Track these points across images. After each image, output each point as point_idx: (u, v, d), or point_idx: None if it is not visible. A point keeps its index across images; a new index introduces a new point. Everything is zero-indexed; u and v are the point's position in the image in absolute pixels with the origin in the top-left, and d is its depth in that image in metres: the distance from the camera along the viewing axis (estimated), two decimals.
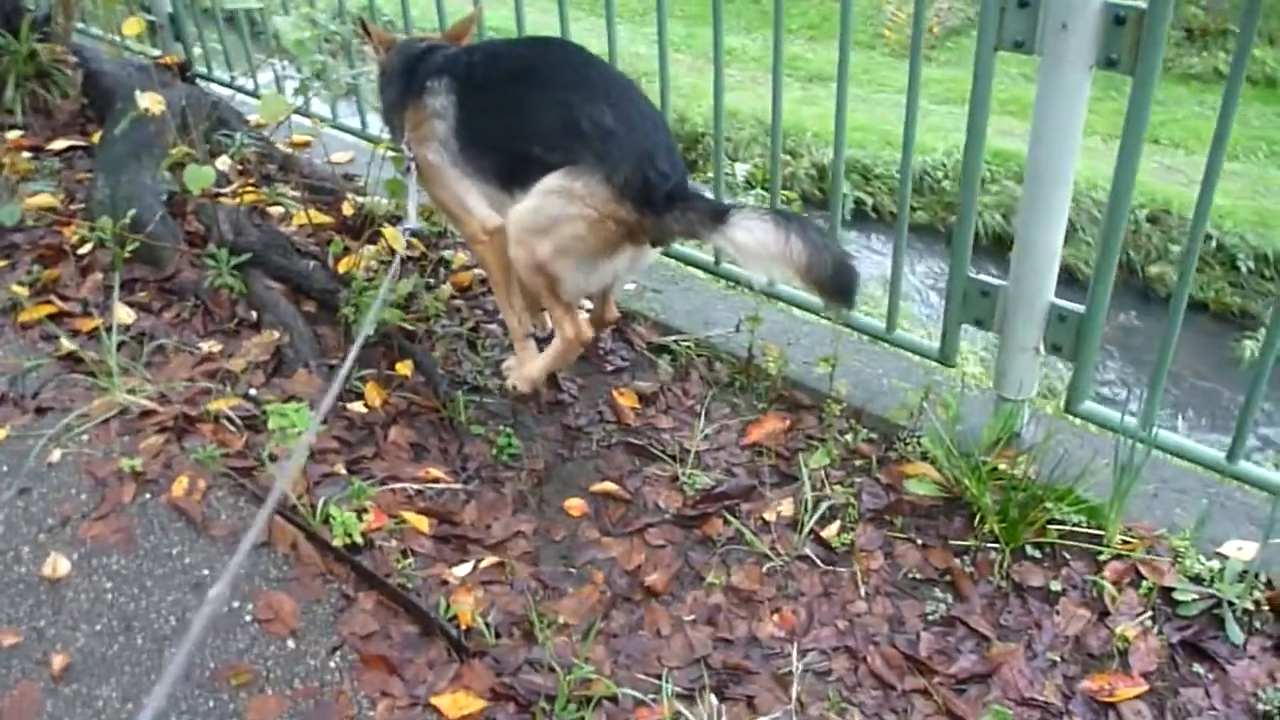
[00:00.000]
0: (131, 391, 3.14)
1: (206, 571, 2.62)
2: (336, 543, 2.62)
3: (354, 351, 2.38)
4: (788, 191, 3.66)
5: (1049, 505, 2.65)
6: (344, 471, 2.91)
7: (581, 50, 2.90)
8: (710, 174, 3.62)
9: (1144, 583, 2.55)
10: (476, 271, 3.73)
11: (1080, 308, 2.70)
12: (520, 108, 2.83)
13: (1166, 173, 10.54)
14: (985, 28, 2.53)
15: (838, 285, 2.57)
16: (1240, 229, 9.63)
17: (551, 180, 2.72)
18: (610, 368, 3.39)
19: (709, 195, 3.17)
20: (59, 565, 2.64)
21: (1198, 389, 8.71)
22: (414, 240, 3.65)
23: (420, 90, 2.96)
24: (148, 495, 2.83)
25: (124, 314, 3.53)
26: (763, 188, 7.09)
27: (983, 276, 2.85)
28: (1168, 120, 11.63)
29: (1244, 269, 9.55)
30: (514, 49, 3.09)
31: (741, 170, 7.04)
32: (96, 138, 4.65)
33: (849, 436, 3.02)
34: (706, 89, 12.22)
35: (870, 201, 11.14)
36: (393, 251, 3.31)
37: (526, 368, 3.15)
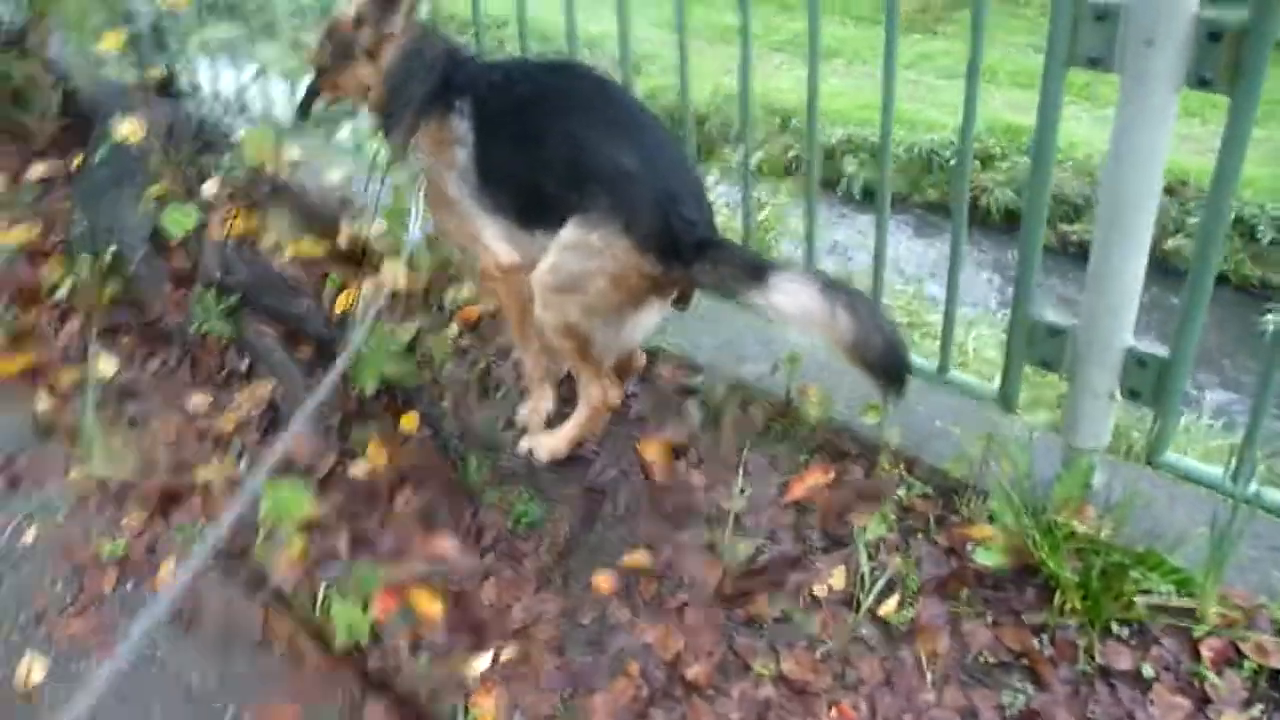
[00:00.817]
0: (112, 460, 2.87)
1: (196, 676, 2.36)
2: (340, 643, 2.35)
3: (311, 403, 2.15)
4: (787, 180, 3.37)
5: (1134, 574, 2.36)
6: (346, 551, 2.65)
7: (602, 79, 2.62)
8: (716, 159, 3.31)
9: (1246, 663, 2.27)
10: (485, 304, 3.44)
11: (1163, 351, 2.40)
12: (537, 139, 2.55)
13: (1180, 141, 10.18)
14: (1055, 42, 2.23)
15: (888, 368, 2.35)
16: (1260, 198, 9.28)
17: (568, 234, 2.46)
18: (634, 415, 3.11)
19: (741, 247, 2.86)
20: (34, 669, 2.38)
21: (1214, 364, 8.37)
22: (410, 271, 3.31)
23: (446, 108, 2.65)
24: (130, 585, 2.57)
25: (105, 365, 3.27)
26: (775, 175, 6.81)
27: (1050, 315, 2.56)
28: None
29: (1265, 240, 9.22)
30: (531, 71, 2.76)
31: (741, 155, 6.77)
32: (79, 161, 4.37)
33: (901, 491, 2.73)
34: (707, 70, 12.18)
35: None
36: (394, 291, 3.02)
37: (553, 439, 2.89)
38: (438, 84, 2.67)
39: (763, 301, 2.36)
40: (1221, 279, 9.02)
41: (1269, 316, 8.22)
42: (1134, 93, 2.15)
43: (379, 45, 2.71)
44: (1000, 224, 10.26)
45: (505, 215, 2.68)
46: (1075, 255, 9.54)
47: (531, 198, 2.59)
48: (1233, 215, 9.02)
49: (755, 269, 2.38)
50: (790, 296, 2.32)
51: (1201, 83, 2.08)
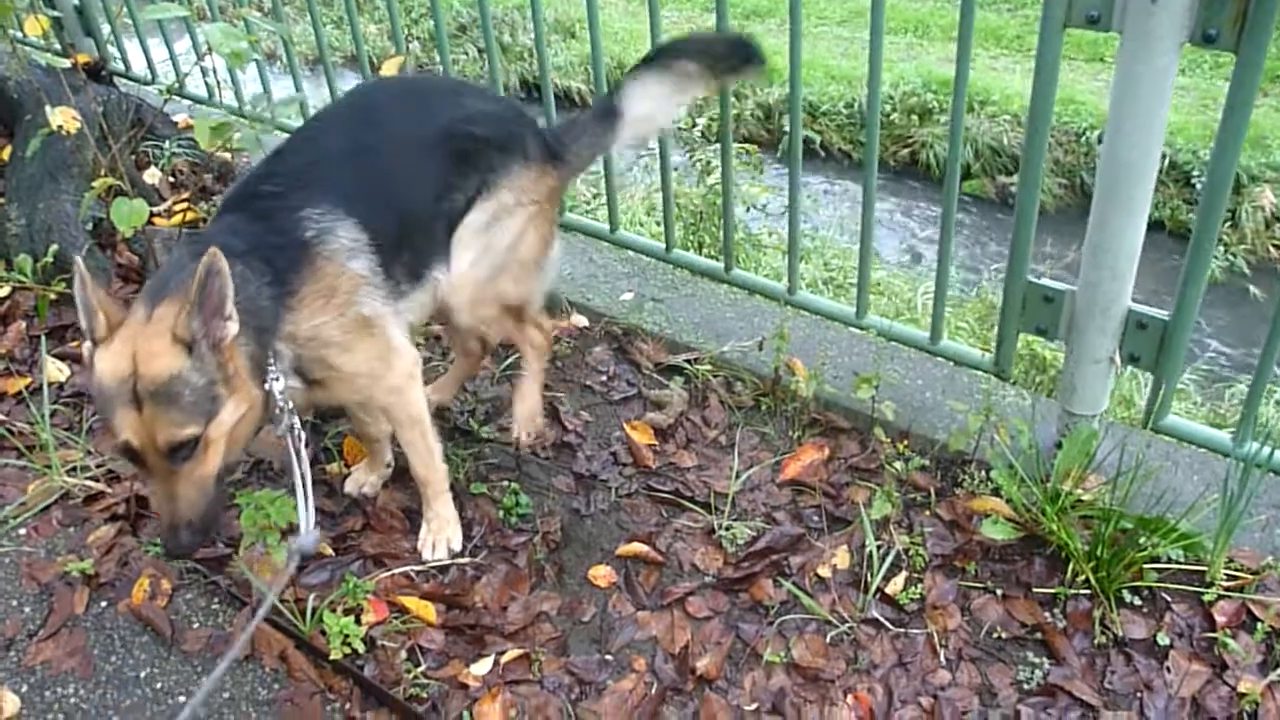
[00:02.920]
0: (72, 471, 2.72)
1: (183, 698, 2.23)
2: (334, 654, 2.23)
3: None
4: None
5: (1143, 541, 2.33)
6: (331, 552, 2.53)
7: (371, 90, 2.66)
8: None
9: (1259, 625, 2.25)
10: None
11: (1164, 314, 2.36)
12: (399, 169, 2.37)
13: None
14: (1052, 1, 2.16)
15: (745, 57, 2.64)
16: (1192, 144, 9.38)
17: (477, 217, 2.46)
18: (617, 396, 3.02)
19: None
20: (6, 702, 2.24)
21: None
22: None
23: (307, 250, 2.16)
24: (104, 603, 2.43)
25: (55, 371, 3.10)
26: (719, 140, 6.72)
27: (1046, 280, 2.51)
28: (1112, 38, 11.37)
29: (1198, 185, 9.33)
30: (327, 127, 2.46)
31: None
32: (6, 154, 4.14)
33: (899, 465, 2.68)
34: (642, 33, 12.00)
35: (819, 139, 10.78)
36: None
37: (525, 409, 2.82)
38: (268, 253, 2.13)
39: (632, 129, 2.66)
40: (1157, 224, 9.15)
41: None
42: (1136, 52, 2.09)
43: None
44: (940, 179, 10.28)
45: (405, 286, 2.36)
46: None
47: (426, 233, 2.41)
48: (1166, 162, 9.20)
49: (606, 112, 2.64)
50: (641, 97, 2.63)
51: (1206, 39, 2.02)
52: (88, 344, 1.95)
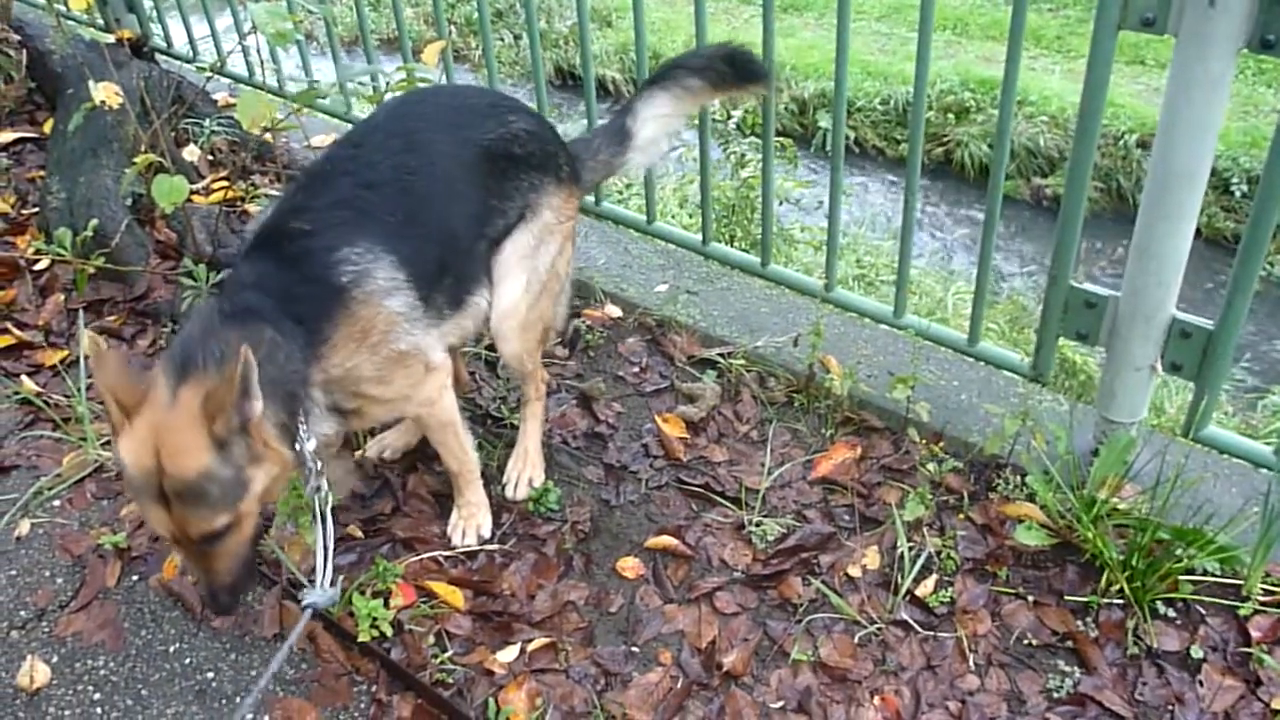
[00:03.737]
0: (107, 444, 2.73)
1: (211, 674, 2.25)
2: (362, 637, 2.24)
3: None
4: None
5: (1179, 552, 2.30)
6: (361, 535, 2.54)
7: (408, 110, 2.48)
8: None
9: None
10: None
11: (1209, 323, 2.33)
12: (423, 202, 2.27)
13: (1153, 94, 10.17)
14: (1107, 3, 2.13)
15: (745, 72, 2.66)
16: (1232, 150, 9.26)
17: (522, 239, 2.44)
18: (650, 388, 3.01)
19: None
20: (37, 672, 2.26)
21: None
22: None
23: (341, 295, 2.09)
24: (135, 577, 2.45)
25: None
26: (754, 134, 6.68)
27: (1089, 286, 2.48)
28: (1154, 40, 11.23)
29: (1237, 193, 9.23)
30: (365, 152, 2.29)
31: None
32: (48, 127, 4.17)
33: (932, 467, 2.66)
34: (680, 23, 12.01)
35: (853, 135, 10.71)
36: None
37: (527, 464, 2.69)
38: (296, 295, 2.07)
39: (638, 156, 2.71)
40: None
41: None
42: (1190, 57, 2.06)
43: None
44: (975, 178, 10.22)
45: (444, 313, 2.32)
46: (1049, 210, 9.51)
47: (464, 260, 2.35)
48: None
49: (619, 133, 2.67)
50: (652, 120, 2.67)
51: (1265, 45, 1.98)
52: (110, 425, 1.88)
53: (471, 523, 2.55)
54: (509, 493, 2.66)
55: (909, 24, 12.47)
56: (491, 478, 2.67)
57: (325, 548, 2.08)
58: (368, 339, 2.12)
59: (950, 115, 10.54)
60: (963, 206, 10.16)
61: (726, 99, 2.77)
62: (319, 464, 2.05)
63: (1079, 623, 2.30)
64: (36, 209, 3.72)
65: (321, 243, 2.09)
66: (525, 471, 2.66)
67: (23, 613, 2.37)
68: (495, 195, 2.36)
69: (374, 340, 2.12)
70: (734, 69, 2.65)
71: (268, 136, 4.08)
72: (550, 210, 2.46)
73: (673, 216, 6.17)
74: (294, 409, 2.01)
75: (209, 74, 3.96)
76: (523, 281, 2.44)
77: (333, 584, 2.10)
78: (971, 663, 2.26)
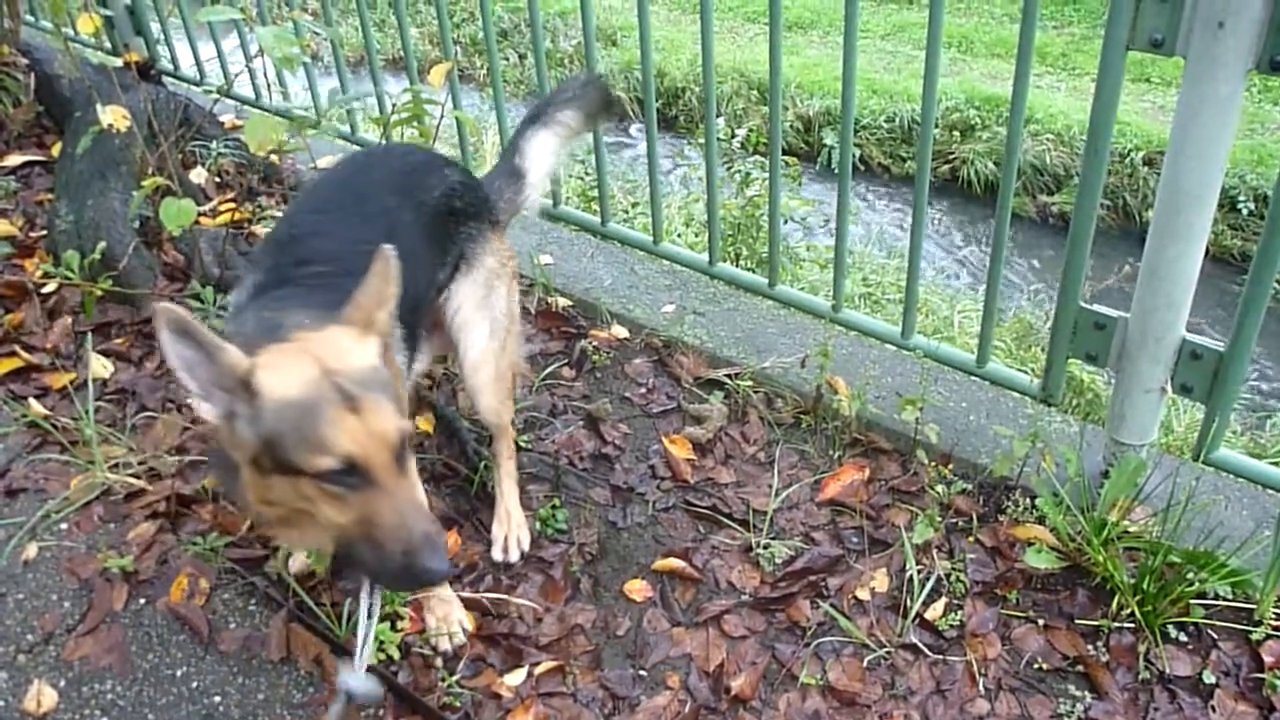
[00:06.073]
0: (115, 468, 2.74)
1: (218, 698, 2.24)
2: (369, 660, 2.23)
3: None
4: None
5: (1190, 576, 2.29)
6: None
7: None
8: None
9: None
10: None
11: (1219, 344, 2.32)
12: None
13: (1159, 112, 10.18)
14: (1116, 23, 2.13)
15: (605, 99, 2.91)
16: (1238, 168, 9.25)
17: (469, 287, 2.44)
18: (656, 409, 3.00)
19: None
20: (44, 696, 2.25)
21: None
22: None
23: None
24: (142, 600, 2.44)
25: (100, 367, 3.12)
26: (757, 151, 6.66)
27: (1099, 307, 2.47)
28: (1159, 58, 11.23)
29: (1244, 210, 9.20)
30: (318, 222, 2.22)
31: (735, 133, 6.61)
32: (56, 150, 4.18)
33: (941, 489, 2.65)
34: (683, 41, 12.04)
35: (858, 153, 10.71)
36: None
37: (512, 526, 2.61)
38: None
39: (533, 194, 2.77)
40: None
41: None
42: (1200, 78, 2.06)
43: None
44: (981, 196, 10.21)
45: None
46: (1056, 228, 9.50)
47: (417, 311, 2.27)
48: None
49: (513, 174, 2.74)
50: (541, 159, 2.77)
51: (1274, 67, 1.98)
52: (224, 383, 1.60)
53: (514, 537, 2.59)
54: (498, 556, 2.57)
55: (913, 42, 12.51)
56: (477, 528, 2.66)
57: (369, 632, 1.86)
58: None
59: (955, 133, 10.55)
60: (967, 224, 10.15)
61: (593, 127, 2.96)
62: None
63: (1090, 647, 2.29)
64: (44, 232, 3.73)
65: (287, 319, 1.86)
66: (513, 533, 2.60)
67: (30, 636, 2.36)
68: (440, 251, 2.36)
69: None
70: (600, 95, 2.88)
71: (274, 158, 4.11)
72: (492, 255, 2.49)
73: (678, 235, 6.18)
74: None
75: (217, 97, 3.97)
76: (486, 330, 2.46)
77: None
78: (981, 687, 2.25)
